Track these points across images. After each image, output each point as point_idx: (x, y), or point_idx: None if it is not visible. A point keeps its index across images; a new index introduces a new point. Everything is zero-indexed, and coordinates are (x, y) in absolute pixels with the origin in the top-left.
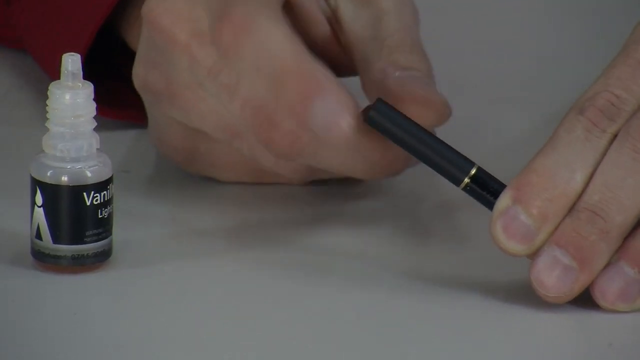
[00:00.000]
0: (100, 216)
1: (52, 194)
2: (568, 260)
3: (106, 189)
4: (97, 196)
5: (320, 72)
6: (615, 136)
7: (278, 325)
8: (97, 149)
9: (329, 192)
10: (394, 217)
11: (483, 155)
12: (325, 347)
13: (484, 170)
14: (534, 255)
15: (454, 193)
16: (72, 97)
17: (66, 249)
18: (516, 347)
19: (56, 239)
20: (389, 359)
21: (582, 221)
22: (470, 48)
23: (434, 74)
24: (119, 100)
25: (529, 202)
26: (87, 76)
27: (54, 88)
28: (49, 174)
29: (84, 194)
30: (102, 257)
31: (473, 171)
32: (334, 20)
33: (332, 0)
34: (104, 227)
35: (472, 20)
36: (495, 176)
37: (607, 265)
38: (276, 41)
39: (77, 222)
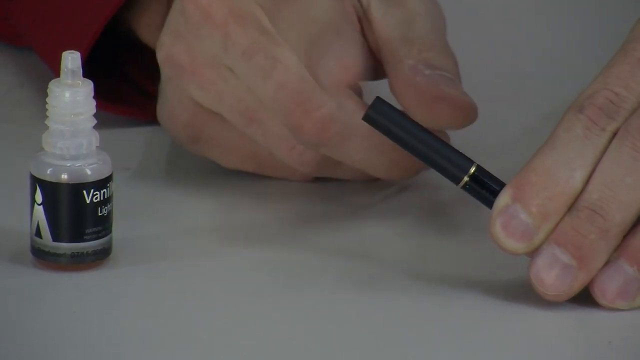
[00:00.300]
0: (100, 214)
1: (51, 191)
2: (567, 259)
3: (106, 187)
4: (97, 194)
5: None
6: (614, 134)
7: (277, 324)
8: (97, 146)
9: (328, 190)
10: (393, 216)
11: (481, 153)
12: (325, 346)
13: (483, 169)
14: (533, 253)
15: (452, 191)
16: (72, 95)
17: (66, 247)
18: (516, 345)
19: (56, 237)
20: (390, 358)
21: (582, 220)
22: (469, 46)
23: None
24: (119, 97)
25: (528, 201)
26: (87, 74)
27: (53, 86)
28: (48, 171)
29: (84, 191)
30: (102, 255)
31: (472, 170)
32: (364, 19)
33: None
34: (103, 225)
35: (471, 18)
36: (494, 175)
37: (607, 263)
38: (321, 12)
39: (76, 220)
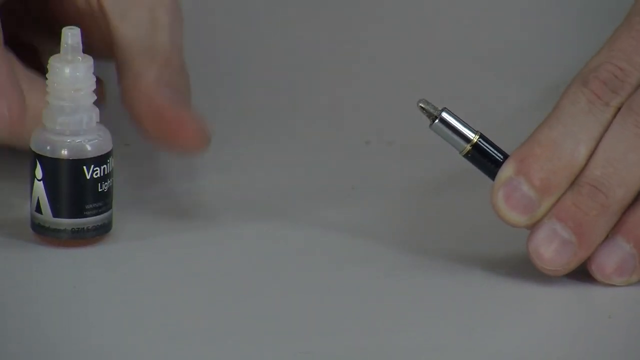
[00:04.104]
0: (100, 190)
1: (51, 167)
2: (567, 235)
3: (106, 163)
4: (97, 170)
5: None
6: (618, 109)
7: (278, 300)
8: (97, 122)
9: (326, 170)
10: (392, 191)
11: (483, 128)
12: (326, 323)
13: (487, 138)
14: (533, 226)
15: (454, 165)
16: (72, 70)
17: (66, 223)
18: (517, 320)
19: (56, 213)
20: (389, 333)
21: (584, 196)
22: (467, 23)
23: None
24: None
25: (531, 174)
26: None
27: (53, 62)
28: (48, 147)
29: (84, 167)
30: (102, 231)
31: (475, 138)
32: (98, 9)
33: None
34: (103, 201)
35: None
36: (497, 145)
37: (605, 239)
38: None
39: (77, 195)
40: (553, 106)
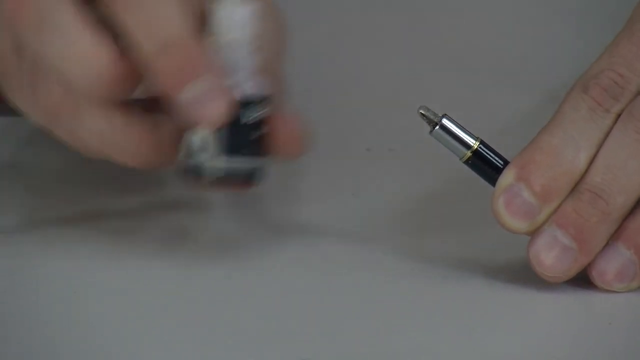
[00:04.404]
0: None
1: None
2: (568, 241)
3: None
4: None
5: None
6: (619, 116)
7: (276, 305)
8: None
9: (322, 166)
10: (392, 199)
11: (483, 134)
12: (326, 329)
13: (487, 145)
14: (534, 233)
15: (454, 171)
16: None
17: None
18: (517, 326)
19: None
20: (389, 339)
21: (584, 202)
22: (469, 28)
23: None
24: None
25: (532, 180)
26: None
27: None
28: None
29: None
30: (253, 179)
31: (476, 145)
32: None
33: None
34: (259, 148)
35: (469, 1)
36: (497, 151)
37: (605, 246)
38: (172, 5)
39: (236, 137)
40: (553, 112)
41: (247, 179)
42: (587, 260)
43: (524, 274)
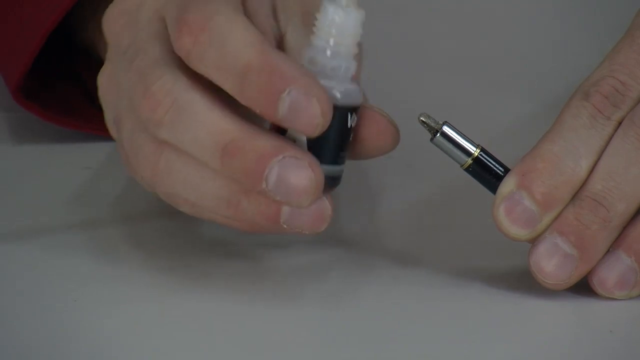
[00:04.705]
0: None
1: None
2: (569, 249)
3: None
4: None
5: (287, 63)
6: (620, 123)
7: (275, 313)
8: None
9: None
10: (392, 206)
11: (484, 141)
12: (324, 337)
13: (488, 152)
14: (535, 240)
15: (454, 178)
16: (344, 16)
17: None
18: (518, 334)
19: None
20: (389, 348)
21: (585, 210)
22: (469, 35)
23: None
24: (69, 108)
25: (534, 188)
26: (40, 79)
27: (326, 3)
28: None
29: (349, 115)
30: (336, 184)
31: (476, 152)
32: (279, 45)
33: (283, 22)
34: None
35: (470, 7)
36: (498, 159)
37: (606, 253)
38: (238, 37)
39: (338, 141)
40: (554, 120)
41: (333, 184)
42: (588, 268)
43: (525, 282)
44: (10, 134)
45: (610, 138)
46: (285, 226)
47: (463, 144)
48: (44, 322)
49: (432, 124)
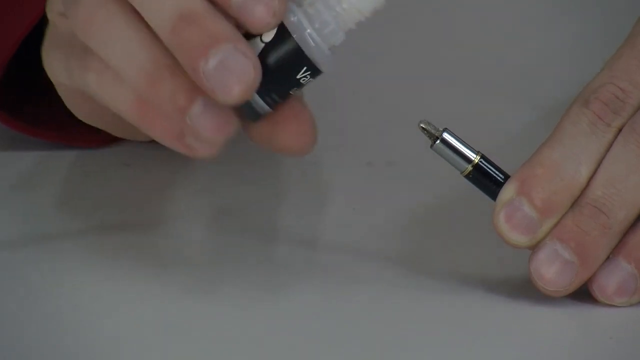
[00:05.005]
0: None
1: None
2: (569, 255)
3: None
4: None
5: None
6: (620, 130)
7: (274, 319)
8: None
9: (322, 180)
10: (392, 213)
11: (484, 148)
12: (323, 344)
13: (488, 159)
14: (535, 247)
15: (454, 185)
16: None
17: None
18: (517, 341)
19: None
20: (388, 354)
21: (585, 216)
22: (469, 41)
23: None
24: (45, 118)
25: (533, 195)
26: (14, 84)
27: None
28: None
29: (304, 66)
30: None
31: (476, 159)
32: None
33: None
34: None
35: (470, 13)
36: (498, 166)
37: (606, 260)
38: None
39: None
40: (554, 127)
41: (248, 116)
42: (588, 274)
43: (525, 288)
44: (10, 137)
45: (611, 145)
46: (188, 122)
47: (463, 151)
48: (44, 327)
49: (432, 131)
